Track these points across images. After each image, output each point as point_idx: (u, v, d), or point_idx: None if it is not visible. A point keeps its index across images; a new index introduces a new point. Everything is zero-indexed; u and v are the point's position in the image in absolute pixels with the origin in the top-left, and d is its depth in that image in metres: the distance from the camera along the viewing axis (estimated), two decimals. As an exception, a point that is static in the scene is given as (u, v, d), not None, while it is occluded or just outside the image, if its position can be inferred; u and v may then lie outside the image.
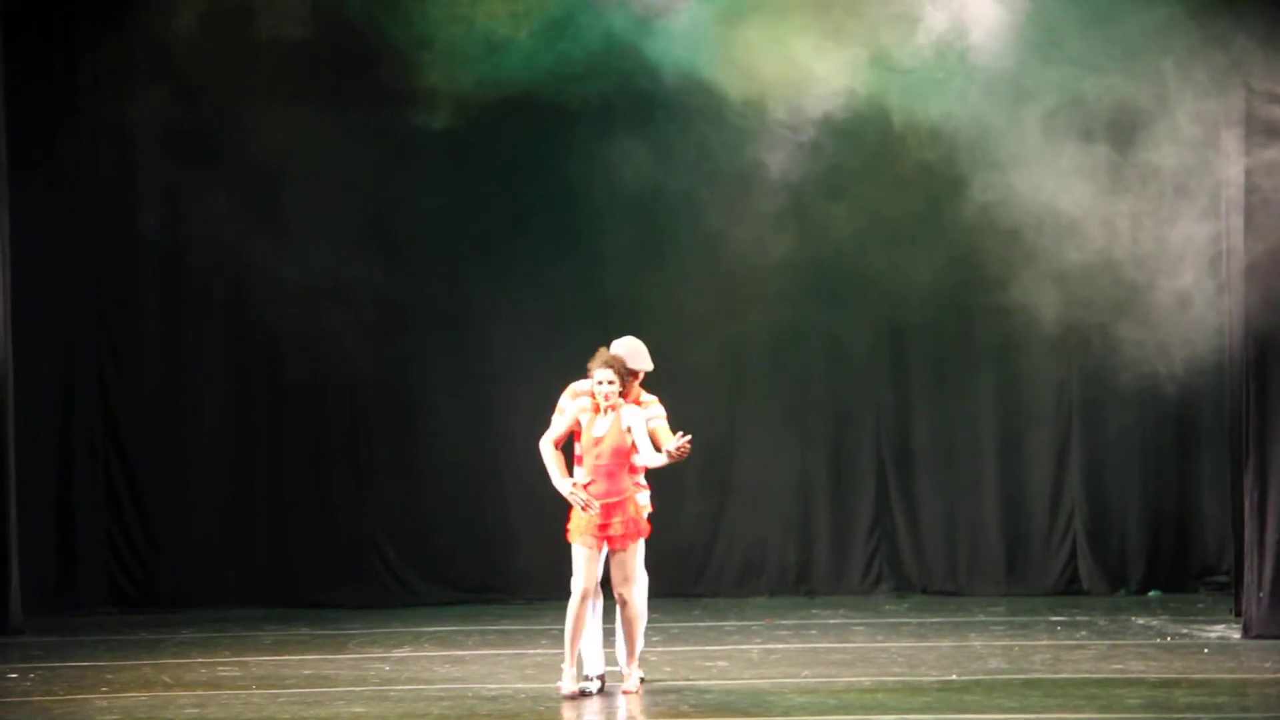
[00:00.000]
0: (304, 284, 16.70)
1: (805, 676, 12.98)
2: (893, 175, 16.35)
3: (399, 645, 14.71)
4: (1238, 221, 14.37)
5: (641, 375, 12.39)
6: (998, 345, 17.27)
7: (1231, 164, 14.46)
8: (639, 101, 16.35)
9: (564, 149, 16.81)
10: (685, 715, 11.67)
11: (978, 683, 12.58)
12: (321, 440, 17.45)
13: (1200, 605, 16.41)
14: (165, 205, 17.17)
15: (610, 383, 12.03)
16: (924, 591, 17.38)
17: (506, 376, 17.17)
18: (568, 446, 12.30)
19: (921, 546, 17.48)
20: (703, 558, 17.50)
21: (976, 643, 14.46)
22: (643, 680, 12.49)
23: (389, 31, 15.70)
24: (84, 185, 17.09)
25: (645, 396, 12.42)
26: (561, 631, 12.28)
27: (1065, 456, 17.37)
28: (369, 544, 17.34)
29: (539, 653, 14.10)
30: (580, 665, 12.27)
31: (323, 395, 17.36)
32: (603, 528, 12.02)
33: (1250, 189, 14.16)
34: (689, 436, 11.91)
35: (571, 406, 12.23)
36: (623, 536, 12.06)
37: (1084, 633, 14.97)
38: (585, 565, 12.06)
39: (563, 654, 12.26)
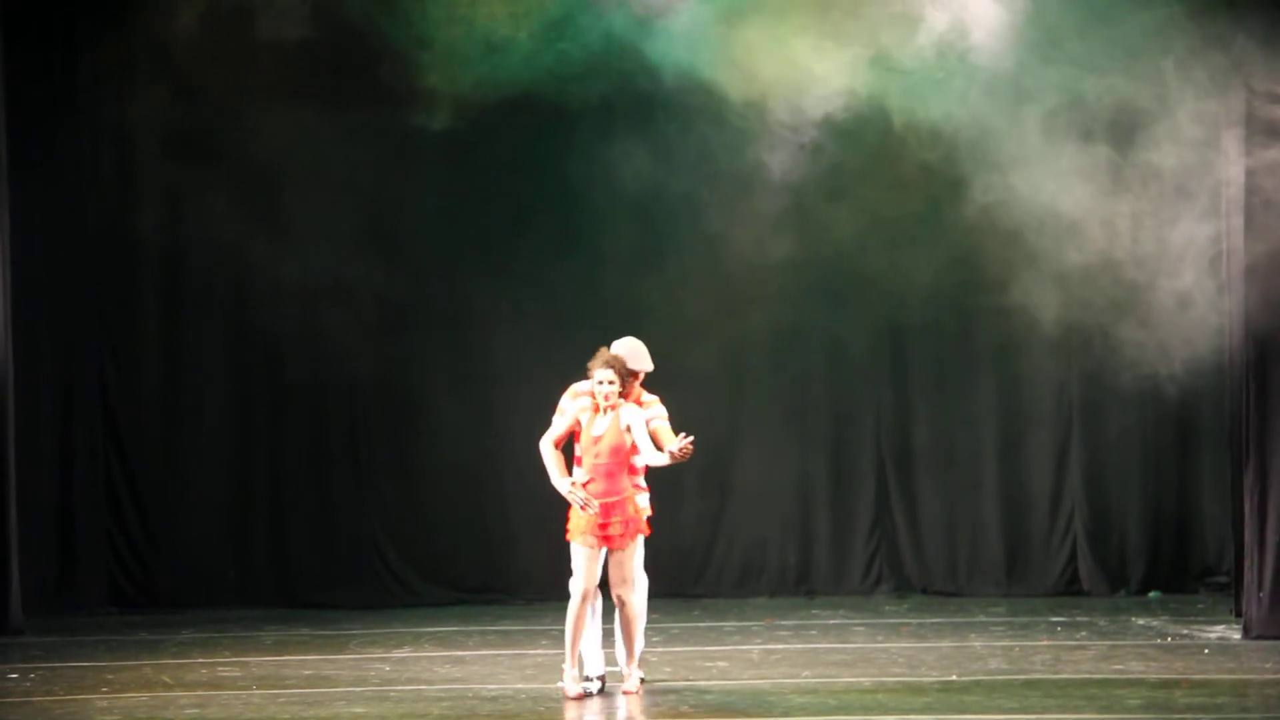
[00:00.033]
0: (304, 284, 16.70)
1: (805, 677, 12.98)
2: (893, 176, 16.35)
3: (399, 646, 14.71)
4: (1238, 222, 14.37)
5: (642, 375, 12.40)
6: (998, 346, 17.27)
7: (1232, 164, 14.46)
8: (639, 102, 16.35)
9: (564, 149, 16.81)
10: (685, 716, 11.67)
11: (978, 683, 12.58)
12: (321, 440, 17.45)
13: (1200, 606, 16.42)
14: (165, 205, 17.16)
15: (610, 383, 12.04)
16: (924, 592, 17.38)
17: (506, 376, 17.18)
18: (568, 447, 12.30)
19: (922, 547, 17.48)
20: (703, 558, 17.50)
21: (977, 643, 14.46)
22: (643, 680, 12.49)
23: (389, 32, 15.70)
24: (84, 185, 17.09)
25: (646, 397, 12.42)
26: (561, 632, 12.28)
27: (1065, 457, 17.37)
28: (369, 544, 17.34)
29: (539, 653, 14.10)
30: (581, 666, 12.27)
31: (323, 395, 17.36)
32: (602, 527, 12.03)
33: (1251, 190, 14.16)
34: (691, 438, 11.91)
35: (572, 407, 12.23)
36: (621, 536, 12.06)
37: (1084, 633, 14.98)
38: (585, 566, 12.06)
39: (563, 655, 12.26)
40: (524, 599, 17.09)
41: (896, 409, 17.50)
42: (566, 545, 12.19)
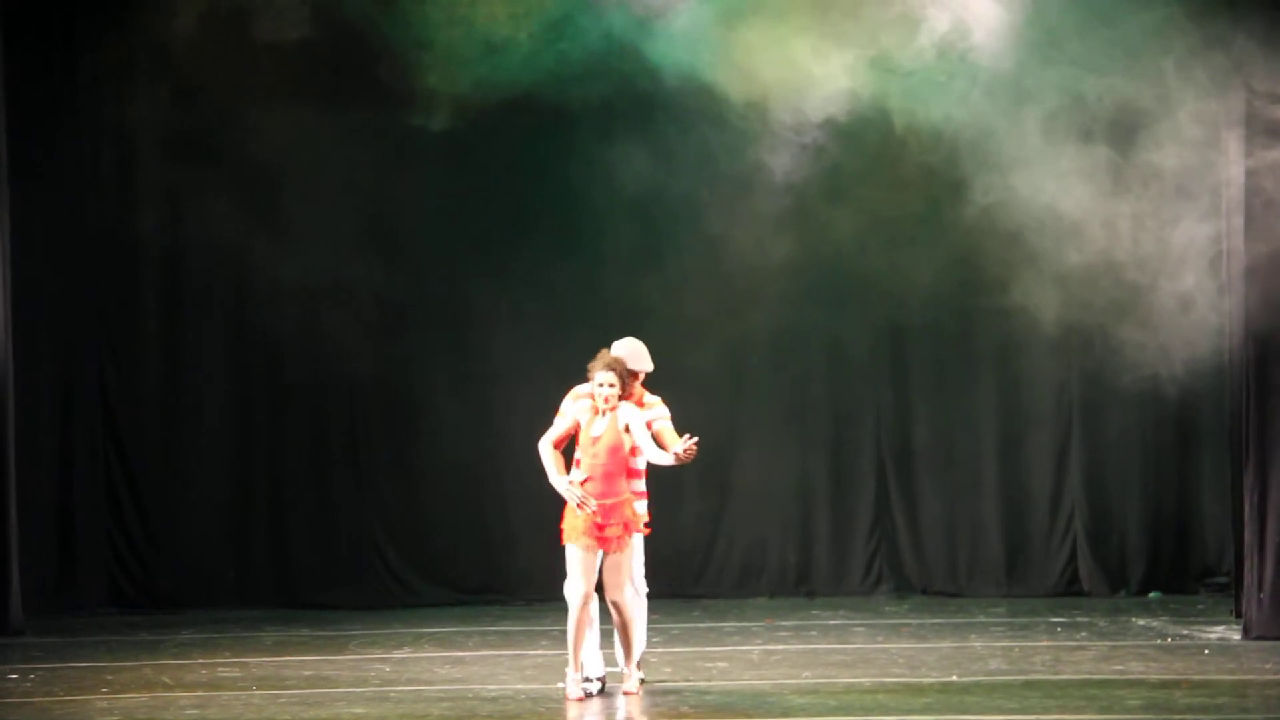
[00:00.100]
0: (304, 284, 16.69)
1: (805, 677, 12.98)
2: (893, 177, 16.35)
3: (399, 646, 14.71)
4: (1238, 222, 14.37)
5: (642, 376, 12.40)
6: (998, 346, 17.28)
7: (1232, 165, 14.45)
8: (639, 103, 16.35)
9: (564, 150, 16.81)
10: (685, 716, 11.67)
11: (978, 684, 12.58)
12: (321, 440, 17.45)
13: (1200, 606, 16.42)
14: (165, 205, 17.16)
15: (611, 385, 12.03)
16: (924, 592, 17.39)
17: (506, 377, 17.18)
18: (568, 449, 12.30)
19: (922, 547, 17.48)
20: (703, 559, 17.50)
21: (977, 644, 14.46)
22: (643, 681, 12.49)
23: (388, 32, 15.70)
24: (84, 185, 17.09)
25: (649, 398, 12.42)
26: (562, 633, 12.27)
27: (1065, 457, 17.38)
28: (369, 544, 17.34)
29: (539, 654, 14.10)
30: (582, 668, 12.26)
31: (323, 395, 17.36)
32: (600, 528, 12.02)
33: (1251, 190, 14.16)
34: (695, 439, 11.91)
35: (572, 409, 12.23)
36: (618, 539, 12.05)
37: (1084, 634, 14.98)
38: (583, 569, 12.05)
39: (563, 655, 12.26)
40: (524, 599, 17.09)
41: (897, 409, 17.50)
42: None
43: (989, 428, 17.43)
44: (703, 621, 16.04)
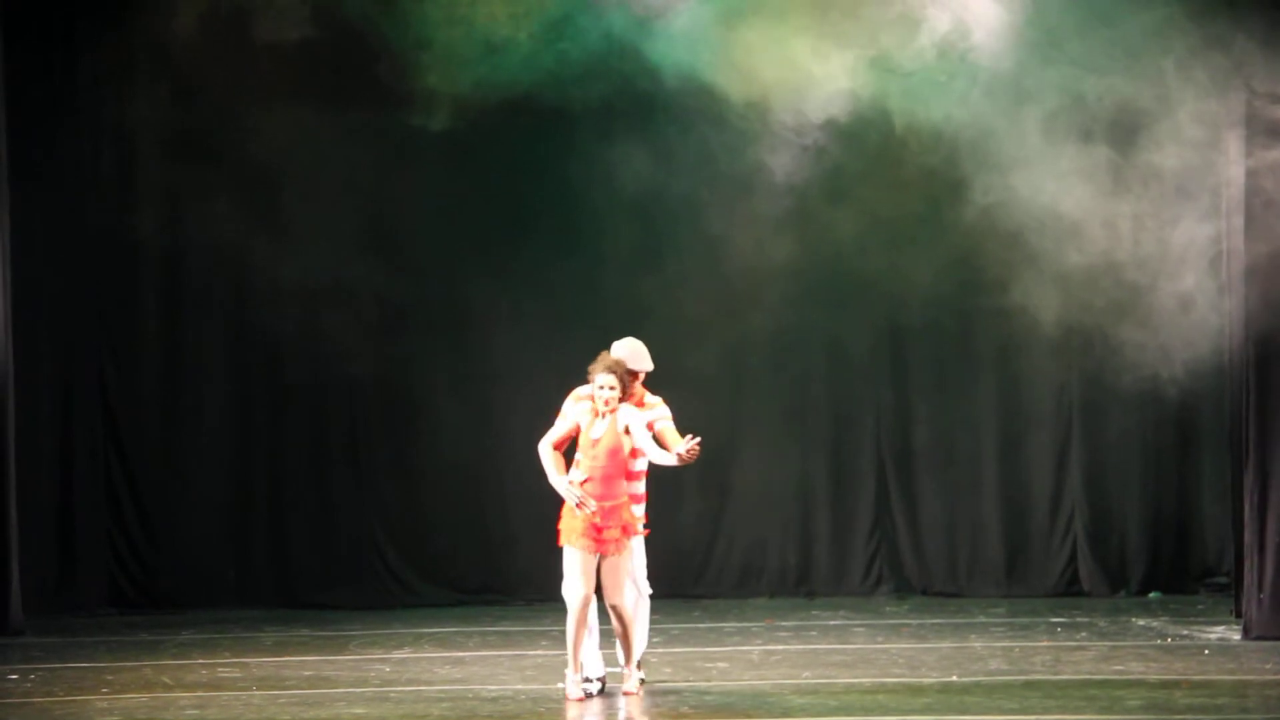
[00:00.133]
0: (304, 284, 16.69)
1: (805, 678, 12.98)
2: (893, 177, 16.35)
3: (399, 646, 14.71)
4: (1238, 223, 14.37)
5: (642, 375, 12.40)
6: (998, 347, 17.27)
7: (1233, 165, 14.45)
8: (639, 103, 16.34)
9: (564, 150, 16.81)
10: (685, 716, 11.67)
11: (978, 684, 12.58)
12: (321, 440, 17.45)
13: (1200, 606, 16.42)
14: (165, 205, 17.16)
15: (611, 388, 12.02)
16: (924, 593, 17.39)
17: (506, 377, 17.18)
18: (569, 451, 12.29)
19: (922, 548, 17.48)
20: (703, 559, 17.50)
21: (977, 644, 14.46)
22: (643, 681, 12.48)
23: (388, 33, 15.69)
24: (84, 186, 17.08)
25: (650, 398, 12.42)
26: (562, 633, 12.27)
27: (1066, 458, 17.38)
28: (369, 544, 17.34)
29: (539, 654, 14.10)
30: (582, 669, 12.25)
31: (323, 395, 17.36)
32: (598, 530, 12.01)
33: (1252, 190, 14.16)
34: (698, 439, 11.91)
35: (573, 410, 12.22)
36: (616, 542, 12.05)
37: (1084, 634, 14.98)
38: (582, 571, 12.04)
39: (563, 656, 12.26)
40: (524, 600, 17.08)
41: (897, 410, 17.50)
42: (566, 546, 12.20)
43: (989, 428, 17.43)
44: (703, 622, 16.04)
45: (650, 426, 12.21)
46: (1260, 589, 14.24)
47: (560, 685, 12.34)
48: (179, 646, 14.87)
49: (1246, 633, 14.36)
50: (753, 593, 17.43)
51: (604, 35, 15.17)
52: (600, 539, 12.02)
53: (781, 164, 15.93)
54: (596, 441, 12.05)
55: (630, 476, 12.19)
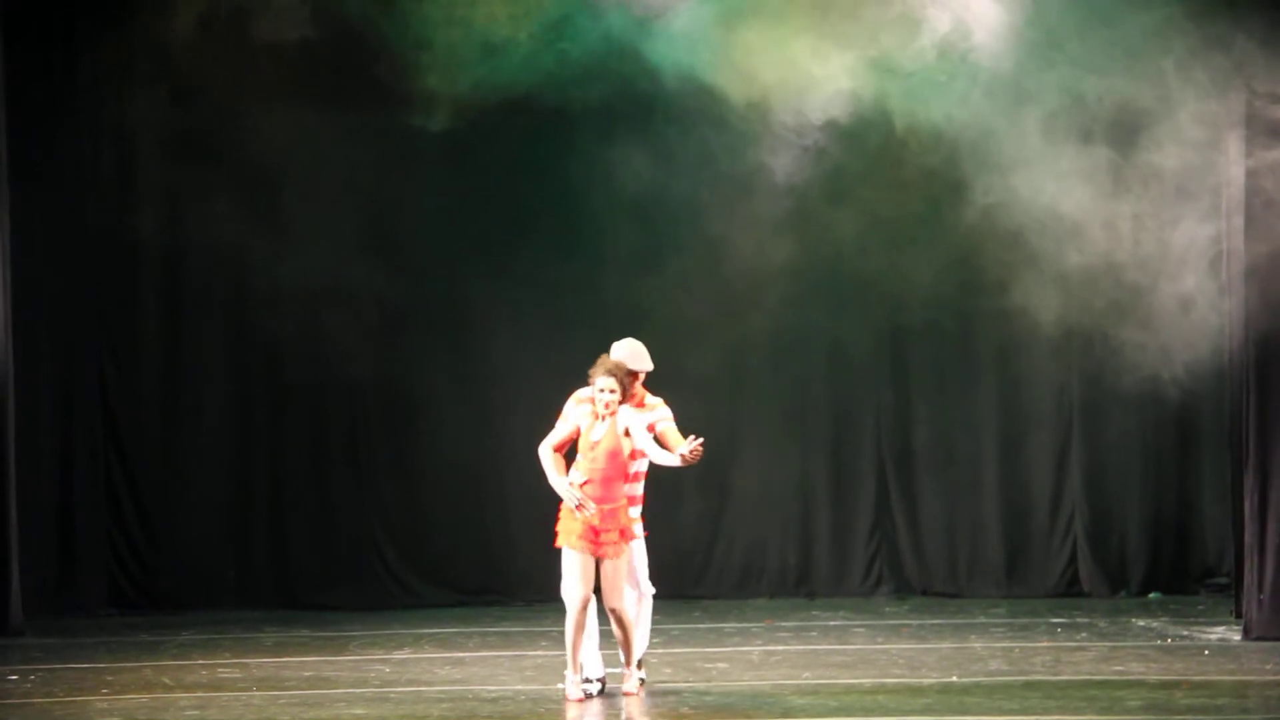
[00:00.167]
0: (304, 285, 16.68)
1: (805, 678, 12.98)
2: (894, 178, 16.34)
3: (399, 647, 14.71)
4: (1238, 223, 14.36)
5: (643, 376, 12.39)
6: (998, 347, 17.27)
7: (1233, 165, 14.44)
8: (639, 104, 16.32)
9: (564, 151, 16.80)
10: (685, 717, 11.67)
11: (978, 684, 12.58)
12: (321, 441, 17.45)
13: (1201, 607, 16.42)
14: (165, 206, 17.16)
15: (611, 391, 12.01)
16: (924, 593, 17.38)
17: (506, 377, 17.18)
18: (569, 453, 12.28)
19: (922, 548, 17.48)
20: (703, 559, 17.50)
21: (977, 644, 14.46)
22: (643, 681, 12.48)
23: (388, 33, 15.68)
24: (84, 186, 17.08)
25: (651, 399, 12.42)
26: (561, 633, 12.26)
27: (1066, 458, 17.38)
28: (369, 545, 17.34)
29: (539, 654, 14.09)
30: (581, 670, 12.25)
31: (323, 396, 17.36)
32: (595, 533, 12.00)
33: (1252, 190, 14.15)
34: (701, 439, 11.90)
35: (574, 413, 12.22)
36: (614, 544, 12.04)
37: (1084, 634, 14.98)
38: (581, 573, 12.04)
39: (563, 656, 12.26)
40: (524, 600, 17.08)
41: (897, 410, 17.50)
42: (565, 547, 12.19)
43: (989, 429, 17.43)
44: (703, 622, 16.04)
45: (651, 428, 12.20)
46: (1260, 589, 14.24)
47: (560, 686, 12.34)
48: (179, 647, 14.87)
49: (1247, 633, 14.35)
50: (753, 593, 17.43)
51: (603, 36, 15.16)
52: (597, 541, 12.02)
53: (782, 165, 15.92)
54: (596, 444, 12.05)
55: (629, 478, 12.19)
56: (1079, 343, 16.87)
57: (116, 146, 17.18)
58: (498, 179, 17.15)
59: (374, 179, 17.15)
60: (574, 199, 16.95)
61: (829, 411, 17.53)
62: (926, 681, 12.75)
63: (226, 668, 13.71)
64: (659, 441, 12.17)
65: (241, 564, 17.29)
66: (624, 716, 11.88)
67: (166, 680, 13.17)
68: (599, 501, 12.01)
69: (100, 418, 17.16)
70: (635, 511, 12.29)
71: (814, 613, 16.53)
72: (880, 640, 14.81)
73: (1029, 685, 12.52)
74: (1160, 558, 17.32)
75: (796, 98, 15.03)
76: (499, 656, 14.15)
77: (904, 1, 14.74)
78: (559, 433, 12.19)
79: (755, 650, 14.32)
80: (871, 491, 17.51)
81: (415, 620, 16.29)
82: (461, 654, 14.33)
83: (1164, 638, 14.71)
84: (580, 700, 12.09)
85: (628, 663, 12.32)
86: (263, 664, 13.93)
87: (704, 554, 17.51)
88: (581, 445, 12.10)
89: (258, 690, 12.70)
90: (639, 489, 12.35)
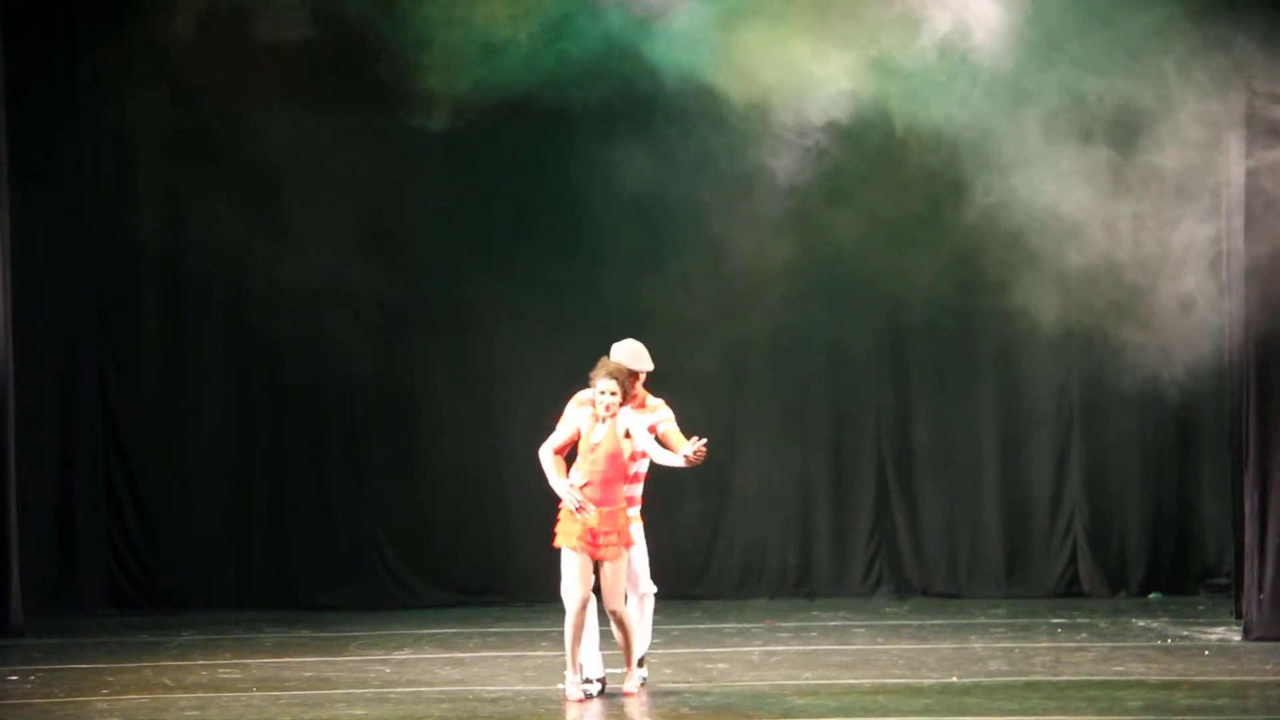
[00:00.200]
0: (304, 285, 16.68)
1: (805, 679, 12.98)
2: (894, 178, 16.34)
3: (399, 647, 14.71)
4: (1239, 223, 14.36)
5: (643, 376, 12.39)
6: (999, 347, 17.27)
7: (1233, 165, 14.43)
8: (639, 104, 16.31)
9: (564, 151, 16.80)
10: (685, 717, 11.67)
11: (978, 685, 12.58)
12: (321, 441, 17.45)
13: (1201, 607, 16.42)
14: (165, 206, 17.16)
15: (612, 394, 12.00)
16: (924, 593, 17.38)
17: (506, 377, 17.18)
18: (570, 456, 12.27)
19: (922, 548, 17.48)
20: (703, 559, 17.50)
21: (977, 645, 14.45)
22: (644, 681, 12.48)
23: (388, 33, 15.68)
24: (84, 186, 17.08)
25: (652, 400, 12.42)
26: (561, 633, 12.25)
27: (1066, 459, 17.37)
28: (369, 545, 17.34)
29: (539, 655, 14.09)
30: (581, 670, 12.25)
31: (323, 396, 17.36)
32: (594, 536, 11.98)
33: (1252, 190, 14.15)
34: (705, 440, 11.90)
35: (575, 415, 12.21)
36: (614, 546, 12.03)
37: (1084, 635, 14.97)
38: (580, 574, 12.03)
39: (563, 657, 12.26)
40: (524, 601, 17.07)
41: (897, 410, 17.50)
42: (565, 547, 12.19)
43: (989, 429, 17.43)
44: (703, 623, 16.04)
45: (653, 429, 12.20)
46: (1260, 590, 14.24)
47: (560, 686, 12.34)
48: (179, 647, 14.87)
49: (1247, 634, 14.35)
50: (753, 593, 17.43)
51: (603, 36, 15.15)
52: (596, 544, 12.01)
53: (782, 165, 15.91)
54: (596, 446, 12.04)
55: (629, 479, 12.19)
56: (1079, 343, 16.87)
57: (116, 146, 17.19)
58: (498, 179, 17.15)
59: (374, 179, 17.15)
60: (574, 199, 16.95)
61: (829, 412, 17.53)
62: (926, 682, 12.74)
63: (226, 668, 13.71)
64: (661, 442, 12.16)
65: (241, 564, 17.29)
66: (624, 717, 11.86)
67: (167, 681, 13.17)
68: (599, 503, 12.01)
69: (100, 418, 17.17)
70: (635, 511, 12.30)
71: (814, 613, 16.53)
72: (880, 641, 14.81)
73: (1029, 686, 12.52)
74: (1160, 558, 17.32)
75: (796, 98, 15.03)
76: (499, 657, 14.15)
77: (904, 2, 14.74)
78: (559, 435, 12.18)
79: (755, 651, 14.32)
80: (871, 492, 17.51)
81: (415, 621, 16.29)
82: (461, 654, 14.33)
83: (1164, 638, 14.70)
84: (580, 701, 12.09)
85: (628, 663, 12.32)
86: (263, 664, 13.93)
87: (704, 554, 17.51)
88: (581, 447, 12.10)
89: (258, 691, 12.70)
90: (638, 490, 12.35)
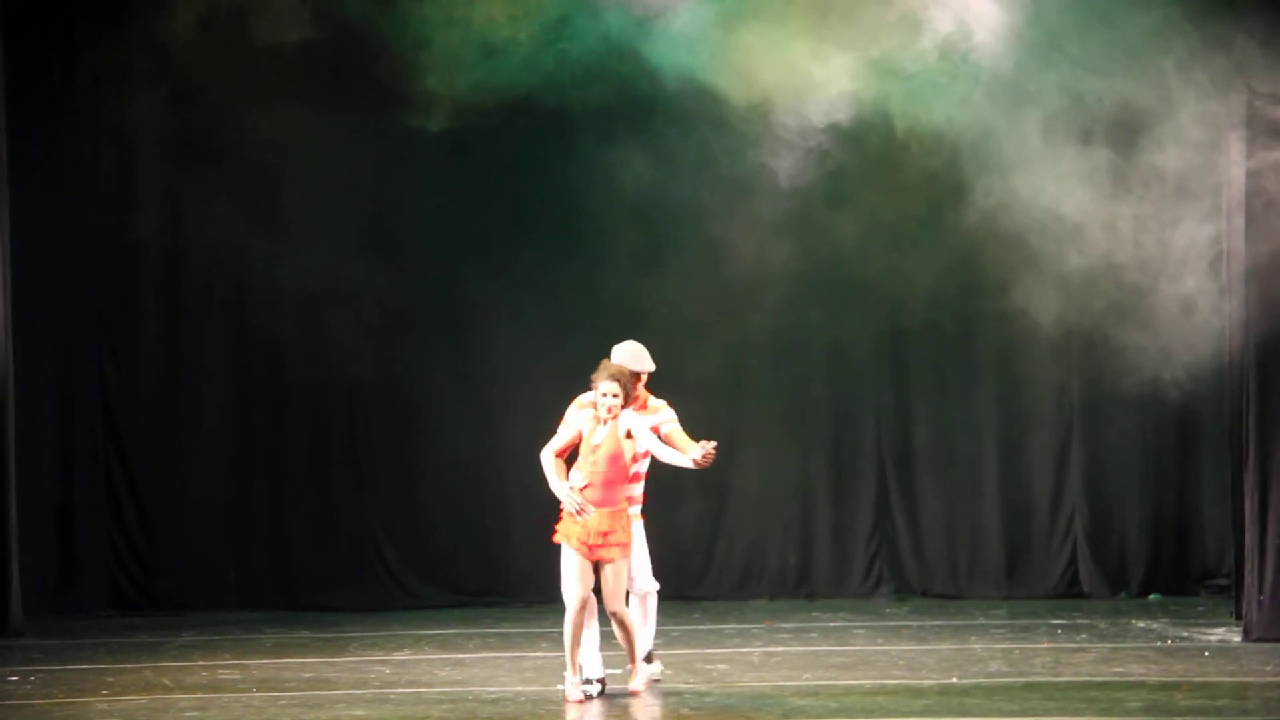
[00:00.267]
0: (304, 285, 16.68)
1: (805, 679, 12.98)
2: (895, 180, 16.33)
3: (399, 648, 14.70)
4: (1239, 223, 14.35)
5: (645, 377, 12.40)
6: (999, 349, 17.27)
7: (1234, 166, 14.43)
8: (639, 105, 16.30)
9: (564, 152, 16.80)
10: (685, 718, 11.67)
11: (978, 686, 12.58)
12: (321, 440, 17.45)
13: (1201, 608, 16.42)
14: (165, 206, 17.17)
15: (614, 396, 12.00)
16: (924, 594, 17.38)
17: (507, 378, 17.18)
18: (571, 458, 12.27)
19: (922, 549, 17.48)
20: (703, 560, 17.50)
21: (977, 646, 14.45)
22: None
23: (388, 34, 15.67)
24: (84, 186, 17.08)
25: (654, 401, 12.43)
26: (561, 634, 12.25)
27: (1066, 459, 17.37)
28: (369, 545, 17.34)
29: (539, 656, 14.09)
30: (580, 671, 12.25)
31: (323, 396, 17.36)
32: (599, 536, 11.98)
33: (1253, 191, 14.15)
34: (715, 443, 11.90)
35: (576, 418, 12.21)
36: (615, 546, 12.03)
37: (1084, 636, 14.97)
38: (579, 575, 12.03)
39: (563, 658, 12.26)
40: (524, 601, 17.07)
41: (897, 411, 17.50)
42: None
43: (989, 430, 17.43)
44: (703, 623, 16.04)
45: (655, 430, 12.20)
46: (1260, 591, 14.23)
47: (560, 687, 12.33)
48: (179, 648, 14.87)
49: (1247, 634, 14.35)
50: (753, 594, 17.43)
51: (603, 37, 15.14)
52: (596, 546, 12.00)
53: (783, 167, 15.90)
54: (597, 447, 12.04)
55: (630, 479, 12.19)
56: (1079, 343, 16.87)
57: (116, 146, 17.19)
58: (498, 179, 17.15)
59: (374, 179, 17.15)
60: (574, 200, 16.95)
61: (829, 412, 17.53)
62: (926, 683, 12.74)
63: (227, 669, 13.71)
64: (665, 443, 12.17)
65: (241, 564, 17.29)
66: (624, 718, 11.86)
67: (166, 681, 13.17)
68: (599, 504, 12.00)
69: (100, 418, 17.17)
70: (635, 510, 12.31)
71: (814, 614, 16.53)
72: (880, 641, 14.81)
73: (1029, 687, 12.51)
74: (1160, 559, 17.32)
75: (797, 100, 15.02)
76: (499, 658, 14.14)
77: (904, 3, 14.73)
78: (561, 438, 12.18)
79: (755, 651, 14.32)
80: (872, 492, 17.51)
81: (415, 621, 16.29)
82: (461, 655, 14.33)
83: (1164, 639, 14.70)
84: (580, 701, 12.09)
85: (632, 661, 12.32)
86: (263, 665, 13.93)
87: (704, 555, 17.51)
88: (583, 449, 12.10)
89: (258, 691, 12.70)
90: (639, 489, 12.36)
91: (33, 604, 16.05)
